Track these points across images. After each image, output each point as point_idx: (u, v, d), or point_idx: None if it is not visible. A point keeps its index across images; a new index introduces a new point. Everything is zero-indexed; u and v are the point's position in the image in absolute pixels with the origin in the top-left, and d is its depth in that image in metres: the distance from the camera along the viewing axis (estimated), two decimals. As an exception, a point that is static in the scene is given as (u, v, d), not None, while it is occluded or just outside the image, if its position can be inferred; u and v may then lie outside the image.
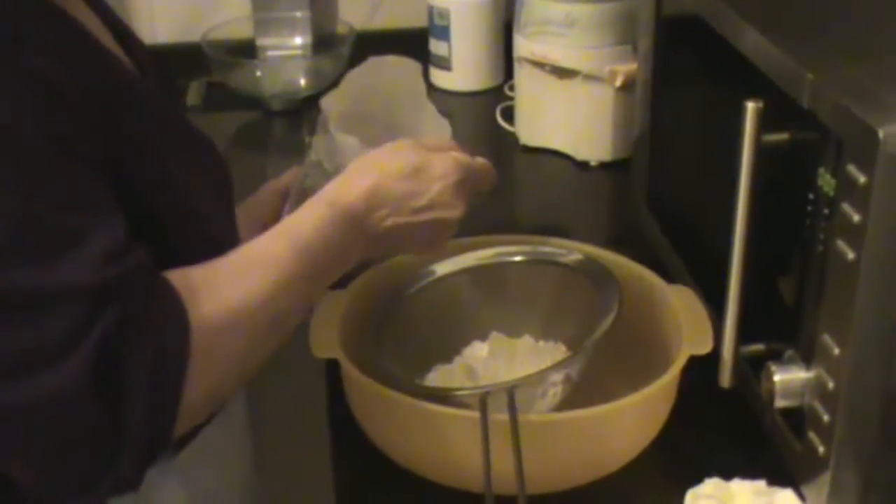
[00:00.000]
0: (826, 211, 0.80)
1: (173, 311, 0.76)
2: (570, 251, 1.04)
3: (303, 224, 0.84)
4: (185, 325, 0.76)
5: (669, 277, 1.07)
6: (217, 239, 0.90)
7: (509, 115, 1.64)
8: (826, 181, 0.80)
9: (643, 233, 1.27)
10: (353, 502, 0.95)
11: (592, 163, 1.52)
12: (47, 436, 0.72)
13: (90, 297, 0.71)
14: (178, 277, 0.77)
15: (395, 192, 0.87)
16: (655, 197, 1.25)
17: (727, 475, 0.90)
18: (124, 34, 0.93)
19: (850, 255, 0.76)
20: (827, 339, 0.81)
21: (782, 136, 0.86)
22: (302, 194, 1.03)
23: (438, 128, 1.04)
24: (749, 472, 0.90)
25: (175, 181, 0.84)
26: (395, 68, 1.03)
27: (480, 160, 0.95)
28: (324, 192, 0.87)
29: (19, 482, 0.74)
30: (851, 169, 0.75)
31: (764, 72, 0.88)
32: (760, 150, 0.85)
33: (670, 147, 1.21)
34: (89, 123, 0.76)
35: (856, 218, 0.75)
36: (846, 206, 0.76)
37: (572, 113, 1.50)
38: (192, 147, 0.90)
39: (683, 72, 1.14)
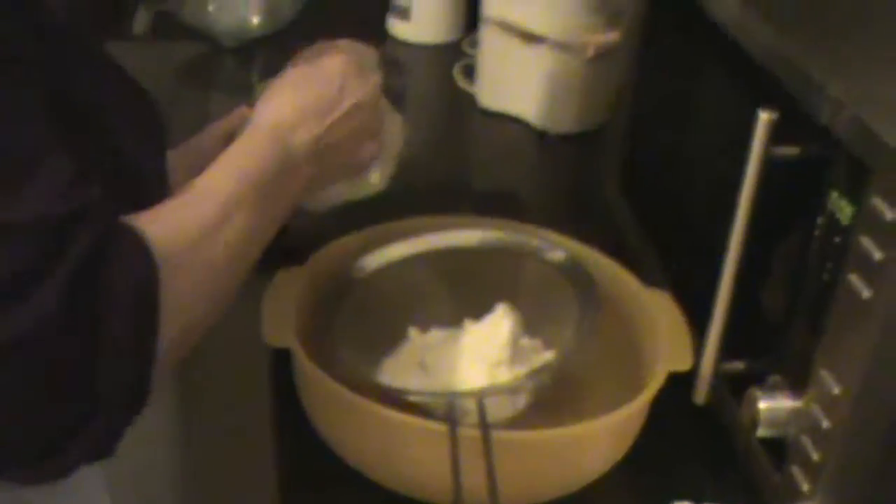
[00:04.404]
0: (837, 239, 0.75)
1: (136, 244, 0.69)
2: (546, 242, 0.98)
3: (238, 151, 0.84)
4: (151, 257, 0.69)
5: (640, 272, 1.01)
6: (146, 191, 0.82)
7: (468, 73, 1.56)
8: (841, 208, 0.74)
9: (609, 215, 1.22)
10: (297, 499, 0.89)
11: (552, 133, 1.45)
12: (16, 380, 0.63)
13: (60, 223, 0.64)
14: (127, 217, 0.71)
15: (309, 100, 0.88)
16: (628, 179, 1.19)
17: (697, 497, 0.85)
18: None
19: (866, 294, 0.70)
20: (826, 374, 0.76)
21: (792, 150, 0.80)
22: None
23: (390, 121, 0.97)
24: (720, 496, 0.86)
25: (103, 118, 0.76)
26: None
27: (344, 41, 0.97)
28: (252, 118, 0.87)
29: None
30: (877, 202, 0.69)
31: (775, 77, 0.81)
32: (767, 162, 0.80)
33: (651, 128, 1.14)
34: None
35: (877, 255, 0.69)
36: (866, 241, 0.70)
37: (536, 80, 1.43)
38: (117, 83, 0.81)
39: (674, 48, 1.07)
